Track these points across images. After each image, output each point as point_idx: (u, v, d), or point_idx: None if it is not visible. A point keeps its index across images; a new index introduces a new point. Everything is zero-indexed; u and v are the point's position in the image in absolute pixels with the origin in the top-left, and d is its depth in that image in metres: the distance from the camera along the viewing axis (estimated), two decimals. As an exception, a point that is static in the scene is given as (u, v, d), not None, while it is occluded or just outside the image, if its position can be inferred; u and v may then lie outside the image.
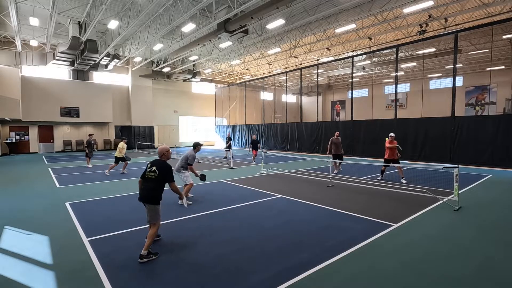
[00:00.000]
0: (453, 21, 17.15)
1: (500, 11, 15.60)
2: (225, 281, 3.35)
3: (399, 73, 29.18)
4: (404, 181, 9.14)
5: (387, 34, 19.71)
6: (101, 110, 24.97)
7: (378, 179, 9.81)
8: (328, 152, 11.46)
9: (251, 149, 16.46)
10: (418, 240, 4.54)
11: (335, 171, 11.26)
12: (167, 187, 4.29)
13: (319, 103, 25.62)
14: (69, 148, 24.04)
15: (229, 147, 17.16)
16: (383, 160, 9.69)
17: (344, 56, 24.47)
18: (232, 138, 21.53)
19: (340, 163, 11.44)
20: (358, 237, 4.61)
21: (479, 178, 10.10)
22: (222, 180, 10.03)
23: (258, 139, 26.17)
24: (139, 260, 3.82)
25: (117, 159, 11.69)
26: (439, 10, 15.64)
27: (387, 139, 9.49)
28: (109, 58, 21.48)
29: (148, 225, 4.21)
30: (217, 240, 4.60)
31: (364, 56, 23.33)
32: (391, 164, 9.11)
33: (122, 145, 11.80)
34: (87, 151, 13.88)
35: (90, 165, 13.87)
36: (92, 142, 14.12)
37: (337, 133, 11.77)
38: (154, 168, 4.17)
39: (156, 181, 4.13)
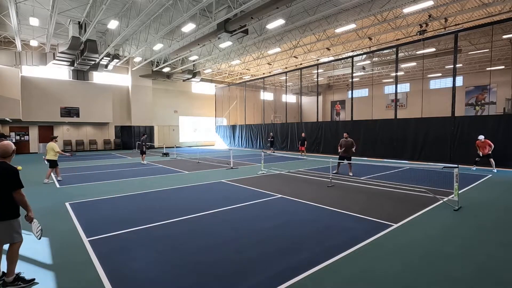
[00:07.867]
0: (453, 21, 17.15)
1: (500, 11, 15.60)
2: (225, 281, 3.36)
3: (399, 73, 29.19)
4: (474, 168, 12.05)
5: (387, 34, 19.71)
6: (101, 110, 24.96)
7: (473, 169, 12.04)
8: (339, 151, 11.32)
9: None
10: (418, 240, 4.54)
11: (334, 171, 11.23)
12: None
13: (319, 103, 25.63)
14: (69, 148, 23.99)
15: (272, 144, 21.47)
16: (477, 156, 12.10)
17: (344, 56, 24.45)
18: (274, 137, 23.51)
19: (349, 165, 11.09)
20: (358, 237, 4.61)
21: (479, 178, 10.10)
22: (222, 180, 10.03)
23: (258, 139, 26.30)
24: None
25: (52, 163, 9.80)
26: (439, 10, 15.64)
27: (481, 138, 11.88)
28: (109, 58, 21.46)
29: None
30: (217, 240, 4.59)
31: (364, 56, 23.33)
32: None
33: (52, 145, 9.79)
34: (141, 150, 15.55)
35: (144, 162, 15.30)
36: (143, 142, 15.61)
37: (345, 134, 11.31)
38: None
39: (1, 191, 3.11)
